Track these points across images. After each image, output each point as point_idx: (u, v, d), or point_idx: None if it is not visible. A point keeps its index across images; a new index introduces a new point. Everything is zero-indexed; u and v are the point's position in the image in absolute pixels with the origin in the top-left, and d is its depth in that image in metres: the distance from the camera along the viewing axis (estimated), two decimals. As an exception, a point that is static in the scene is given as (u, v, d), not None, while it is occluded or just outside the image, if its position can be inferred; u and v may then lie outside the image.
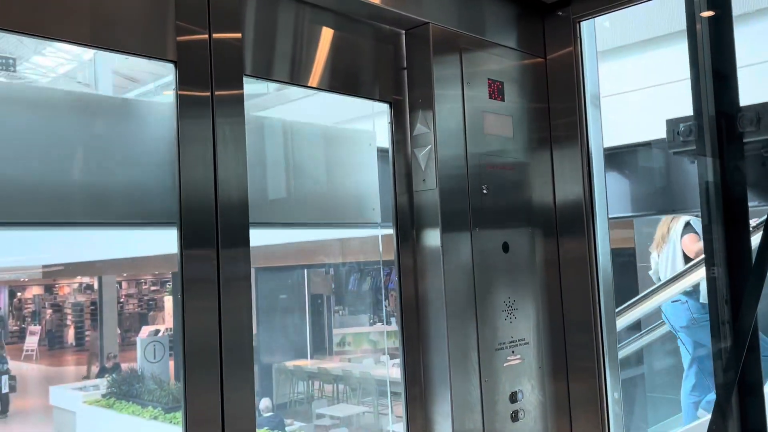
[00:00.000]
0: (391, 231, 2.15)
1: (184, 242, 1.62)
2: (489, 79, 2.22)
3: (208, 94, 1.73)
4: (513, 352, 2.17)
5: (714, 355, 2.15)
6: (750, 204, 2.17)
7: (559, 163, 2.43)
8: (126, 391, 10.94)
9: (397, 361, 2.12)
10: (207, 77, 1.73)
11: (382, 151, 2.19)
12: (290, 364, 12.51)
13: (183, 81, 1.69)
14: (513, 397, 2.14)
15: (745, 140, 2.02)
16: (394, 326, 2.16)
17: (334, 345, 14.40)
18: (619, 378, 2.25)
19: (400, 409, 2.11)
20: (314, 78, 2.02)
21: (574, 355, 2.26)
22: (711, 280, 2.13)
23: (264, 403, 9.84)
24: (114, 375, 12.01)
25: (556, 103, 2.45)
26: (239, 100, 1.77)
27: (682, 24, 2.44)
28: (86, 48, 1.68)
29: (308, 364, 12.71)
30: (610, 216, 2.29)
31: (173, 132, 1.65)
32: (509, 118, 2.28)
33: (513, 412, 2.14)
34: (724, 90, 2.45)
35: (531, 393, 2.20)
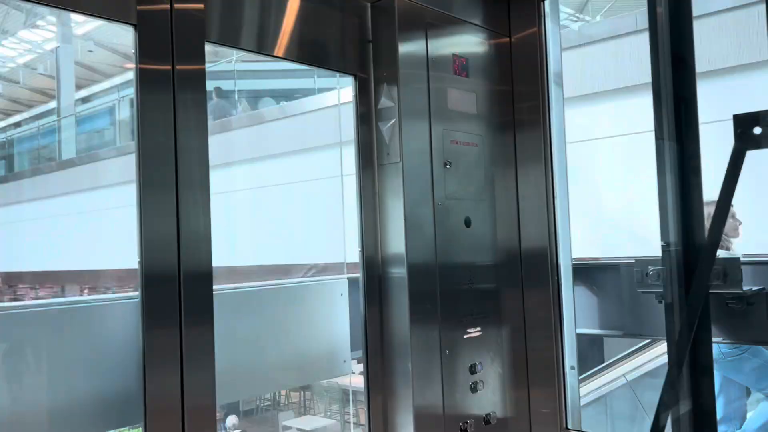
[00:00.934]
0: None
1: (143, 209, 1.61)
2: (454, 55, 2.24)
3: (169, 67, 1.71)
4: (473, 324, 2.20)
5: (667, 336, 2.20)
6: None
7: (522, 144, 2.47)
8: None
9: (362, 367, 2.13)
10: (168, 44, 1.71)
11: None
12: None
13: (143, 48, 1.67)
14: (472, 369, 2.17)
15: (711, 291, 2.09)
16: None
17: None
18: (575, 349, 2.29)
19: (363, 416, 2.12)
20: (280, 48, 2.01)
21: (533, 328, 2.29)
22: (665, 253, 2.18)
23: (231, 420, 9.72)
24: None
25: (520, 86, 2.48)
26: (201, 70, 1.76)
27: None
28: (48, 7, 1.65)
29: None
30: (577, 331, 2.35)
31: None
32: (473, 95, 2.30)
33: (472, 383, 2.16)
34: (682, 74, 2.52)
35: (490, 365, 2.23)
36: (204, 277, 1.70)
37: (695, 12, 2.40)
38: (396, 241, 2.09)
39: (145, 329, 1.60)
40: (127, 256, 1.74)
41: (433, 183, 2.15)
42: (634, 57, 6.66)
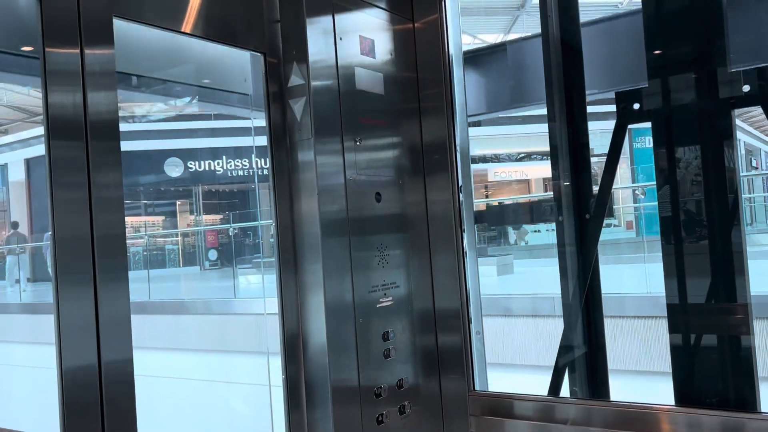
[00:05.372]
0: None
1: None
2: (360, 35, 2.32)
3: (78, 50, 1.69)
4: (385, 294, 2.29)
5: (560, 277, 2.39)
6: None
7: (427, 128, 2.58)
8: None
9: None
10: (75, 19, 1.69)
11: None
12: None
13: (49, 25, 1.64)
14: (385, 337, 2.26)
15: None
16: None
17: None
18: (481, 316, 2.42)
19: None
20: (188, 24, 2.02)
21: (441, 297, 2.41)
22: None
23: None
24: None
25: (424, 73, 2.60)
26: (108, 33, 1.75)
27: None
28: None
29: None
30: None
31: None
32: (380, 75, 2.39)
33: (385, 350, 2.25)
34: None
35: (402, 333, 2.33)
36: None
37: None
38: (310, 217, 2.14)
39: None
40: None
41: (344, 159, 2.22)
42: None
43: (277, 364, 2.17)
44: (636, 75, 2.42)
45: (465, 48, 2.70)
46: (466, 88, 2.66)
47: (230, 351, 9.44)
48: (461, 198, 2.49)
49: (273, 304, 2.18)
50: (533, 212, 2.56)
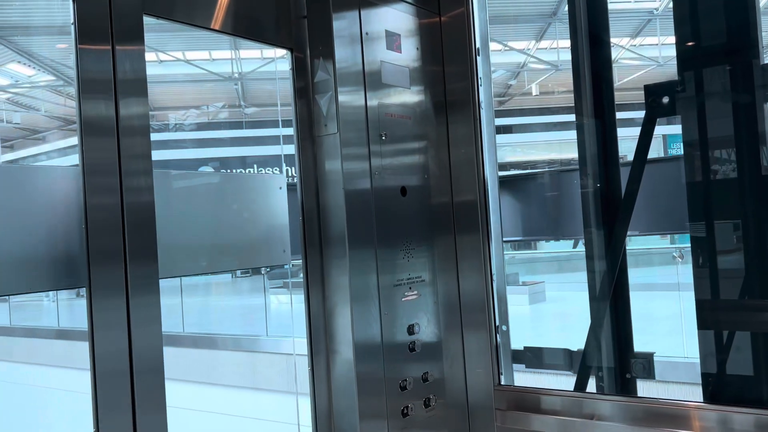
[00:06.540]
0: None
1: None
2: (386, 30, 2.33)
3: (109, 47, 1.73)
4: (410, 288, 2.30)
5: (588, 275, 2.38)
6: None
7: (453, 123, 2.58)
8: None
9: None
10: (106, 17, 1.73)
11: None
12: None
13: (82, 22, 1.68)
14: (410, 330, 2.27)
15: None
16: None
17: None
18: (507, 312, 2.42)
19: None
20: (216, 21, 2.05)
21: (466, 291, 2.41)
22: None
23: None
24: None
25: (450, 66, 2.59)
26: (138, 33, 1.79)
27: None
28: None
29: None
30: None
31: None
32: (406, 69, 2.40)
33: (410, 343, 2.26)
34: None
35: (427, 326, 2.34)
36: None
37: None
38: (336, 211, 2.16)
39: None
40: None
41: (369, 154, 2.23)
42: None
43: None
44: (678, 219, 2.33)
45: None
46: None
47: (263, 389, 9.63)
48: (488, 192, 2.48)
49: (302, 346, 2.21)
50: (572, 360, 2.58)
